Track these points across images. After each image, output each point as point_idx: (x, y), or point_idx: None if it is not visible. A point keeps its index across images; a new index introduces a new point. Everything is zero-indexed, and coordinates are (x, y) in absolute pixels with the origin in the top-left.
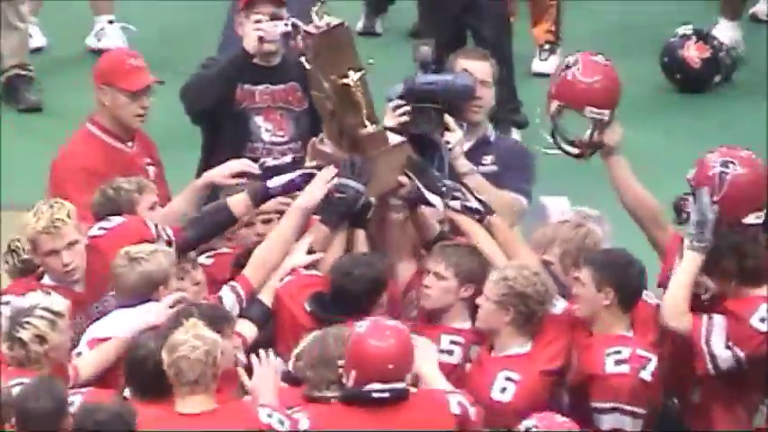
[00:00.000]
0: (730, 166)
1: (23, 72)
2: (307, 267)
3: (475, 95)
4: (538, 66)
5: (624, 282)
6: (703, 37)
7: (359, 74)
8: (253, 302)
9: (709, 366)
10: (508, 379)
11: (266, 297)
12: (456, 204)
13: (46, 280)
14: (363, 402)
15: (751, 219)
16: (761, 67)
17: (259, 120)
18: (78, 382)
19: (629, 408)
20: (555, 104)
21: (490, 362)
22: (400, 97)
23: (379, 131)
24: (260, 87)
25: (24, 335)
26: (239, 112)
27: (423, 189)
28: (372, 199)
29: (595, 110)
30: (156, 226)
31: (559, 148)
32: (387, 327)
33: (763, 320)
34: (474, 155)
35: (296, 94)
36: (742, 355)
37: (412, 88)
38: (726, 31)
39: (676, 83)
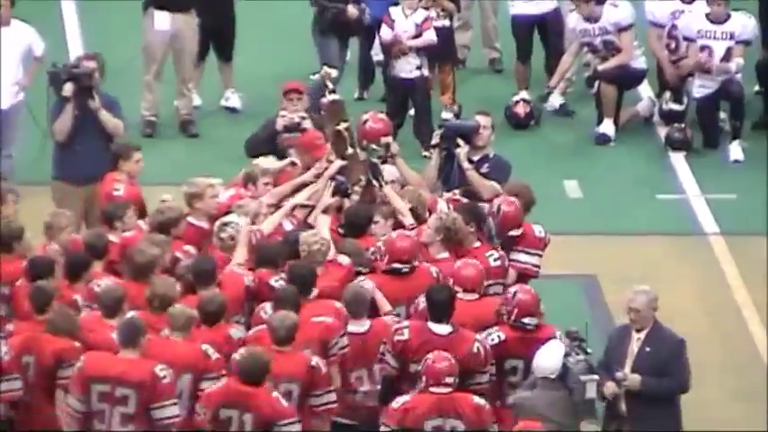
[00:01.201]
0: (503, 206)
1: (189, 117)
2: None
3: (478, 131)
4: (444, 115)
5: (479, 219)
6: (527, 101)
7: (345, 124)
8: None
9: (534, 270)
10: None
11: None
12: (390, 186)
13: (191, 219)
14: (394, 273)
15: (513, 233)
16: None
17: (292, 151)
18: (263, 238)
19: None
20: (364, 142)
21: (444, 260)
22: (440, 129)
23: (355, 153)
24: (288, 135)
25: (224, 235)
26: (281, 148)
27: (371, 178)
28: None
29: (383, 139)
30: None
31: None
32: (406, 235)
33: (540, 232)
34: (478, 163)
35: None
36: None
37: (444, 125)
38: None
39: (510, 124)
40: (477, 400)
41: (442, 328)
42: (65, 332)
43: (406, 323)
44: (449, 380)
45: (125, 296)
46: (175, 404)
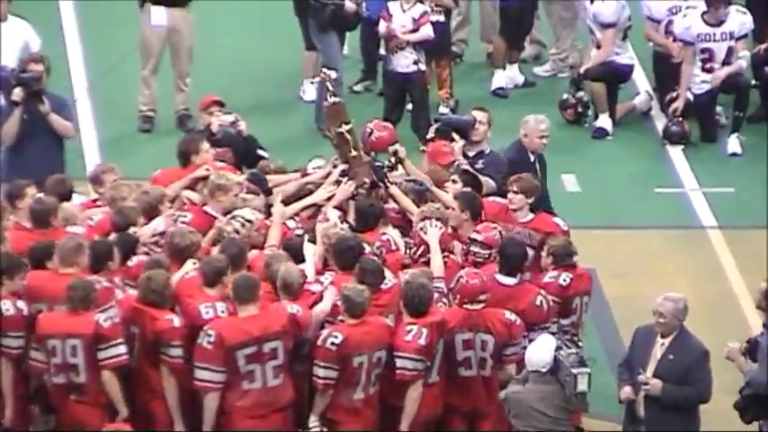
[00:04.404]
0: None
1: (186, 112)
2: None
3: (474, 127)
4: (441, 110)
5: (474, 206)
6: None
7: (348, 126)
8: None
9: None
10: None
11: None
12: (395, 186)
13: (207, 208)
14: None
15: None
16: None
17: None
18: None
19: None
20: (372, 153)
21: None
22: (436, 123)
23: (359, 154)
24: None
25: (228, 228)
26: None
27: (376, 180)
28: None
29: (390, 148)
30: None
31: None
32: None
33: (564, 225)
34: (474, 159)
35: (227, 153)
36: None
37: (440, 120)
38: (500, 78)
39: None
40: (509, 315)
41: (509, 280)
42: (159, 302)
43: (463, 271)
44: (482, 297)
45: (226, 270)
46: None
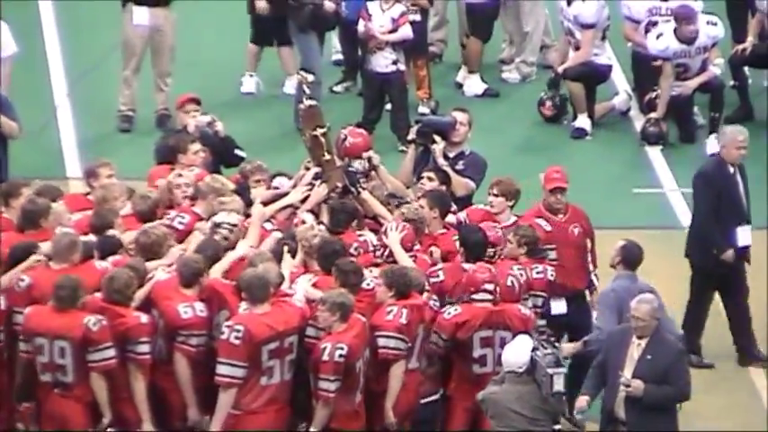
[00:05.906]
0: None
1: (166, 112)
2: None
3: (454, 128)
4: (421, 110)
5: (443, 205)
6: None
7: (322, 130)
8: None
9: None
10: None
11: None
12: (367, 192)
13: (196, 209)
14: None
15: None
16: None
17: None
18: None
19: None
20: (346, 159)
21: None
22: (417, 125)
23: (332, 158)
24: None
25: (217, 237)
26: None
27: (348, 185)
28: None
29: (365, 154)
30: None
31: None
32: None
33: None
34: (454, 160)
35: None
36: None
37: (421, 122)
38: (473, 84)
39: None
40: (524, 310)
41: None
42: (123, 300)
43: (440, 265)
44: (488, 287)
45: (203, 270)
46: None
